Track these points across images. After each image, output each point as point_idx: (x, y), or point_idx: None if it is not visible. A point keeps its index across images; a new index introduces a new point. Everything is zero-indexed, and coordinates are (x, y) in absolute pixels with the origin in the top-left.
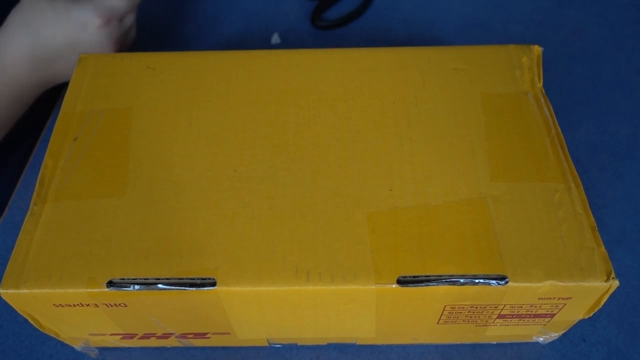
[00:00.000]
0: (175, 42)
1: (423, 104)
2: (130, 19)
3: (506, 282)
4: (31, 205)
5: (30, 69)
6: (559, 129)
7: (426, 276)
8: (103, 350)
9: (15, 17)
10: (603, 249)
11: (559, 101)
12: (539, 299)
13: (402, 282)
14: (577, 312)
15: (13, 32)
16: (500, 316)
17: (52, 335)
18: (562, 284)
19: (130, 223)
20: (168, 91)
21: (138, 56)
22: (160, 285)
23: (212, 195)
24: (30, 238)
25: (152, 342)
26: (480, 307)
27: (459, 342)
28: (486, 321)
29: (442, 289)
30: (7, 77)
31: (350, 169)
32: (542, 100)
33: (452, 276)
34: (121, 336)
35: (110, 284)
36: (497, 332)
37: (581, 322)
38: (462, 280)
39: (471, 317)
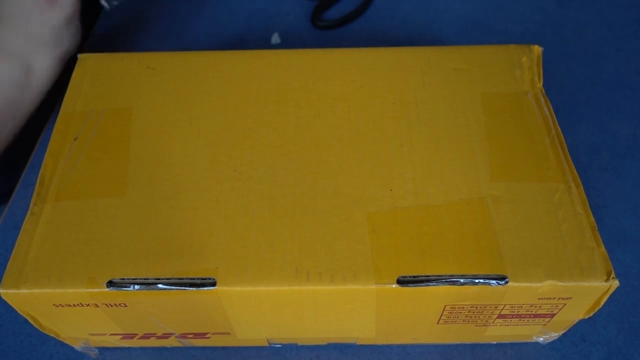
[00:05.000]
0: (175, 42)
1: (423, 104)
2: None
3: (506, 282)
4: (31, 205)
5: None
6: (559, 129)
7: (426, 276)
8: (103, 350)
9: None
10: (603, 249)
11: (559, 101)
12: (539, 299)
13: (402, 282)
14: (577, 312)
15: None
16: (500, 316)
17: (52, 335)
18: (562, 283)
19: (130, 223)
20: (168, 91)
21: (138, 56)
22: (160, 285)
23: (212, 195)
24: (30, 238)
25: (152, 342)
26: (480, 307)
27: (459, 342)
28: (486, 321)
29: (442, 289)
30: None
31: (350, 169)
32: (542, 100)
33: (452, 276)
34: (121, 336)
35: (110, 284)
36: (497, 332)
37: (581, 322)
38: (462, 280)
39: (471, 317)
